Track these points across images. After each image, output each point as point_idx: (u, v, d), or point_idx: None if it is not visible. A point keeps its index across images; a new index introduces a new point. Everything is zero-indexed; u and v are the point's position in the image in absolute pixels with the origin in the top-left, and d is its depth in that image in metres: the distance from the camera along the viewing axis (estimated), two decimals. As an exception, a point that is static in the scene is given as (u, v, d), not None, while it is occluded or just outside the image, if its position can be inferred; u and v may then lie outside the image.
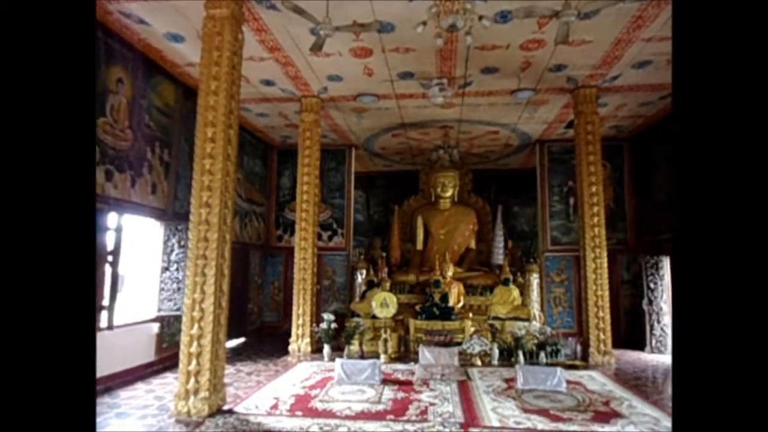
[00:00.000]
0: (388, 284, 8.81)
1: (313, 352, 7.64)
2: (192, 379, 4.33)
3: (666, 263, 8.63)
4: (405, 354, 7.58)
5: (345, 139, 10.41)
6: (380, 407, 4.73)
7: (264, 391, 5.35)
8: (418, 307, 8.34)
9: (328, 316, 7.31)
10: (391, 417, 4.42)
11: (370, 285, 8.66)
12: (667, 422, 4.39)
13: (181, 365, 4.38)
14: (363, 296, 8.62)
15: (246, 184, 9.90)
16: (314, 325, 7.60)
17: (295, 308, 7.83)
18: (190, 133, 4.82)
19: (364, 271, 9.47)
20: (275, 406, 4.75)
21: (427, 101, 7.91)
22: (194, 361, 4.35)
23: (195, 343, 4.38)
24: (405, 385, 5.69)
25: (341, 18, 5.08)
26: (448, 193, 10.63)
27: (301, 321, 7.77)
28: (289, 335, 7.87)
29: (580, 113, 7.52)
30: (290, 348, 7.74)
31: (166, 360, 6.65)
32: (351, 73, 6.96)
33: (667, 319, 8.54)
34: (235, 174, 4.93)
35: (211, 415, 4.32)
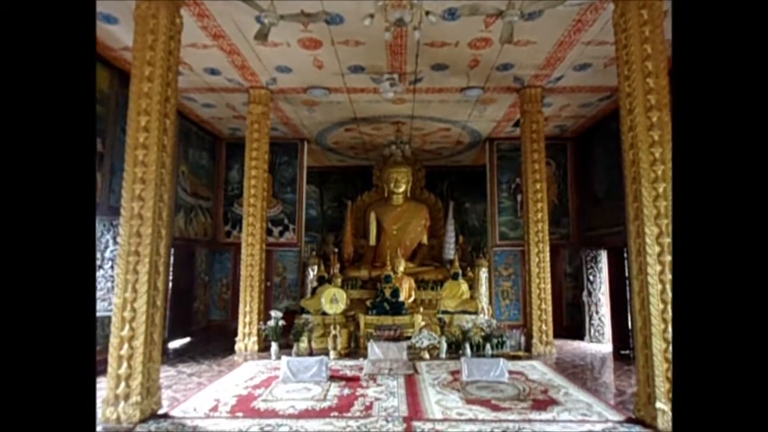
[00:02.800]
0: (339, 280, 8.74)
1: (261, 350, 7.45)
2: (122, 384, 4.08)
3: (604, 256, 9.10)
4: (355, 350, 7.55)
5: (297, 132, 10.19)
6: (325, 404, 4.67)
7: (204, 393, 5.14)
8: (369, 303, 8.32)
9: (275, 313, 7.14)
10: (335, 414, 4.38)
11: (321, 281, 8.55)
12: (598, 407, 4.62)
13: (109, 369, 4.12)
14: (313, 292, 8.50)
15: (191, 177, 9.47)
16: (261, 323, 7.41)
17: (241, 306, 7.61)
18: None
19: (316, 267, 9.35)
20: (215, 408, 4.57)
21: (378, 96, 7.85)
22: (125, 364, 4.10)
23: (126, 345, 4.13)
24: (352, 381, 5.66)
25: (288, 7, 4.92)
26: (401, 189, 10.67)
27: (248, 319, 7.56)
28: (237, 334, 7.63)
29: (526, 112, 7.77)
30: (236, 347, 7.51)
31: (99, 364, 6.23)
32: (300, 64, 6.80)
33: (604, 310, 9.03)
34: (171, 166, 4.67)
35: (144, 420, 4.08)
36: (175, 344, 8.46)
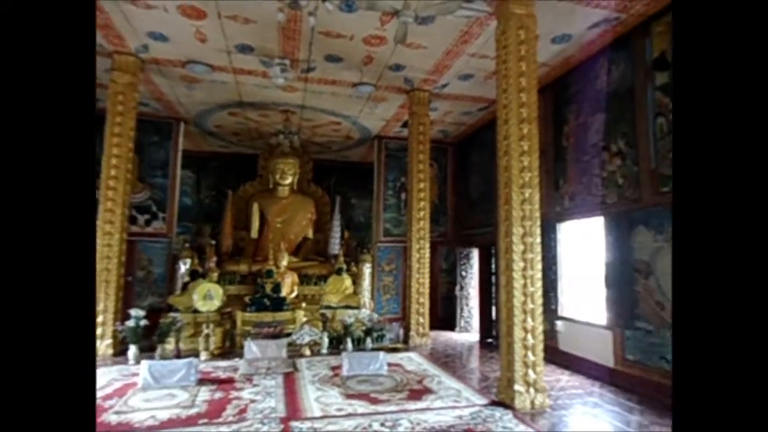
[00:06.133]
0: (215, 275, 8.12)
1: (116, 354, 6.52)
2: None
3: (475, 254, 9.94)
4: (230, 349, 7.07)
5: (172, 111, 9.16)
6: (192, 411, 4.24)
7: (37, 409, 4.28)
8: (247, 299, 7.87)
9: (136, 312, 6.31)
10: (205, 421, 4.00)
11: (194, 276, 7.82)
12: (466, 393, 5.00)
13: None
14: (184, 288, 7.74)
15: (31, 150, 7.88)
16: (118, 323, 6.48)
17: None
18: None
19: (189, 261, 8.54)
20: (51, 426, 3.83)
21: (268, 81, 7.44)
22: None
23: None
24: (225, 383, 5.26)
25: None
26: (288, 181, 10.33)
27: (101, 319, 6.54)
28: (84, 336, 6.57)
29: (414, 114, 8.08)
30: (85, 352, 6.46)
31: None
32: (179, 34, 6.09)
33: (473, 303, 9.87)
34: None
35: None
36: None
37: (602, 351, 5.77)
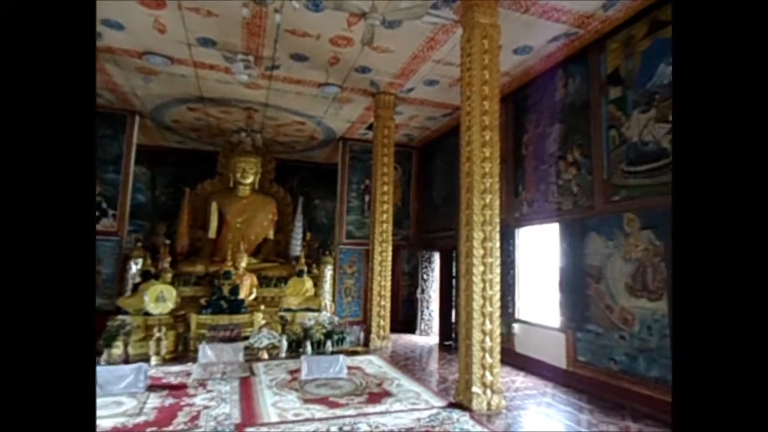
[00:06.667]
0: (169, 275, 7.78)
1: (57, 359, 6.11)
2: None
3: (437, 257, 10.07)
4: (183, 354, 6.78)
5: (126, 103, 8.73)
6: (140, 419, 4.04)
7: (-36, 420, 3.95)
8: (203, 301, 7.60)
9: (81, 314, 5.94)
10: (154, 429, 3.81)
11: (146, 276, 7.47)
12: (425, 395, 5.03)
13: None
14: (135, 289, 7.37)
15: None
16: (61, 326, 6.08)
17: (32, 306, 6.13)
18: None
19: (141, 261, 8.15)
20: (-21, 439, 3.54)
21: (230, 77, 7.26)
22: None
23: None
24: (177, 389, 5.04)
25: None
26: (249, 180, 10.08)
27: (41, 322, 6.12)
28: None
29: (379, 117, 8.10)
30: (21, 357, 6.02)
31: None
32: (136, 23, 5.82)
33: (434, 306, 9.98)
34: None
35: None
36: None
37: (555, 353, 5.99)
